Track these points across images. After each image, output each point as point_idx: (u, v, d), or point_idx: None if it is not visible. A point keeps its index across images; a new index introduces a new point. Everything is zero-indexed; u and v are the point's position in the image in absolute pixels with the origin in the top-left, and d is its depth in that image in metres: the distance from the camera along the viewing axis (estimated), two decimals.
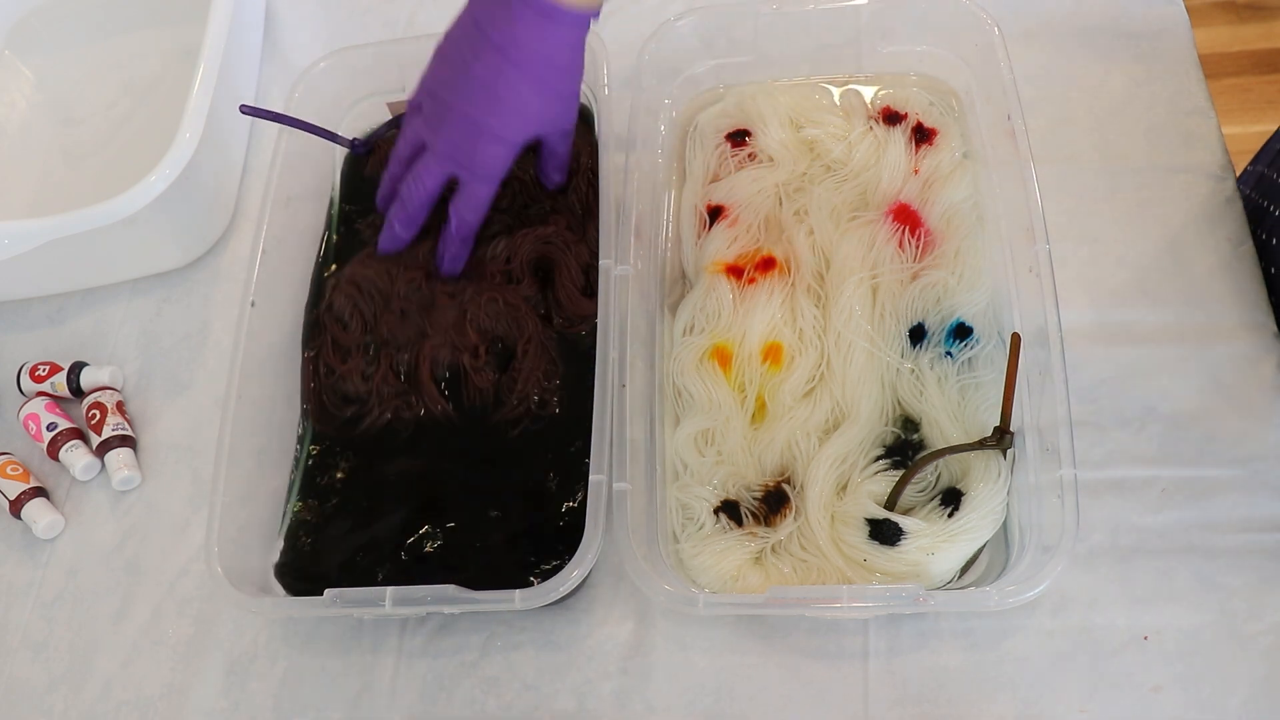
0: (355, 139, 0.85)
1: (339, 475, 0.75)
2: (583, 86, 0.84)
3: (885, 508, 0.65)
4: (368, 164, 0.86)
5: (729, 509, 0.68)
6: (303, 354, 0.79)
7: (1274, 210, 0.75)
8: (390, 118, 0.87)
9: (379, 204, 0.80)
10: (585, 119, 0.83)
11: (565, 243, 0.76)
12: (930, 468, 0.67)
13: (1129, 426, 0.69)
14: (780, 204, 0.77)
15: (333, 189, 0.87)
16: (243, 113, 0.78)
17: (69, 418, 0.83)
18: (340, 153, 0.88)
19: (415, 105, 0.74)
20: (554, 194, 0.79)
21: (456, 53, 0.70)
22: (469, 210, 0.74)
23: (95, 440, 0.80)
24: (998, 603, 0.59)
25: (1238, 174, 0.77)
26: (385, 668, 0.70)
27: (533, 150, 0.75)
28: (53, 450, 0.80)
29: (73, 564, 0.78)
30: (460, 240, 0.75)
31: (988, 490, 0.64)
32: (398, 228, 0.76)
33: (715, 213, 0.77)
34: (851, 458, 0.68)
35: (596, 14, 0.68)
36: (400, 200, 0.75)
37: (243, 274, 0.77)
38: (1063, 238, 0.75)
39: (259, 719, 0.70)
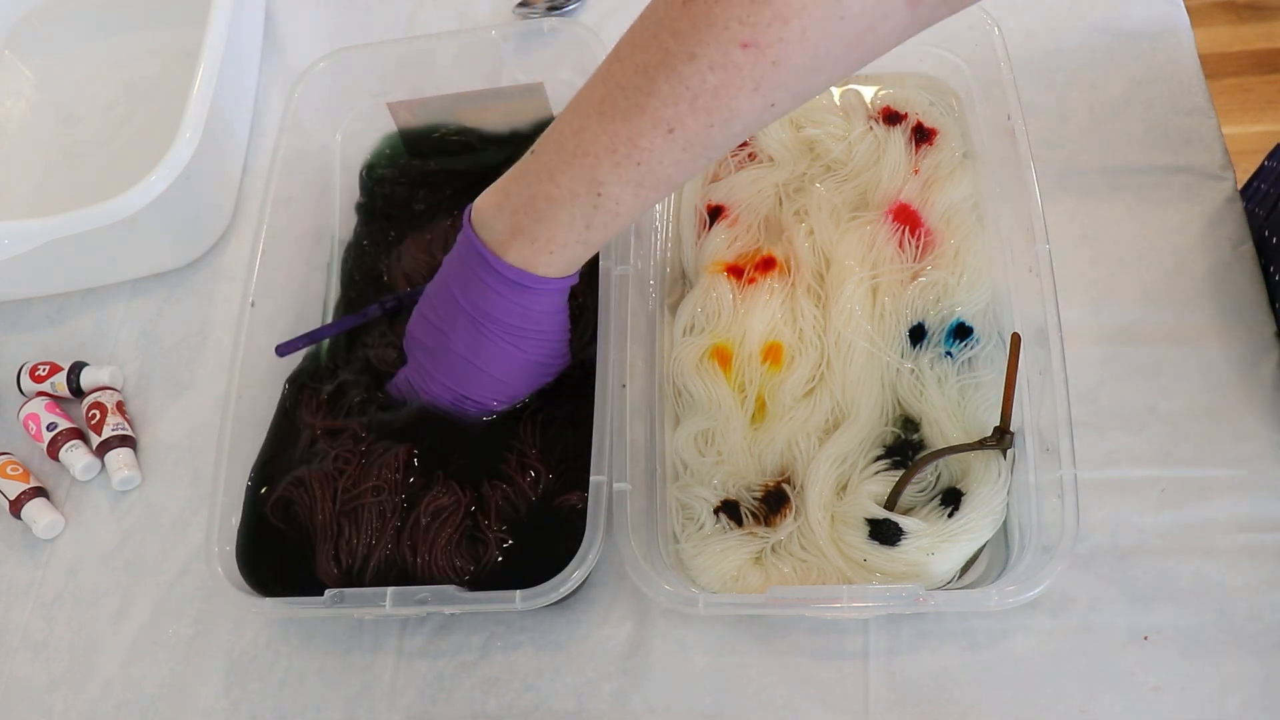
0: (385, 301, 0.80)
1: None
2: None
3: (885, 508, 0.65)
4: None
5: (729, 509, 0.68)
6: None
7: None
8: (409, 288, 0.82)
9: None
10: None
11: None
12: (930, 468, 0.67)
13: (1129, 426, 0.69)
14: (780, 204, 0.77)
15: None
16: (280, 354, 0.77)
17: (69, 418, 0.83)
18: (339, 153, 0.88)
19: (408, 347, 0.72)
20: None
21: (435, 316, 0.68)
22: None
23: (95, 440, 0.81)
24: (998, 603, 0.59)
25: (1240, 186, 0.77)
26: (385, 668, 0.70)
27: None
28: (53, 450, 0.80)
29: (73, 564, 0.78)
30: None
31: (988, 490, 0.64)
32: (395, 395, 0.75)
33: (715, 212, 0.77)
34: (851, 458, 0.68)
35: (575, 279, 0.65)
36: (402, 394, 0.74)
37: (243, 274, 0.77)
38: (1063, 238, 0.75)
39: (259, 719, 0.70)
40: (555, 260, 0.62)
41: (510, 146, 0.87)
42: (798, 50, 0.51)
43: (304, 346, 0.78)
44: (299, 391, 0.77)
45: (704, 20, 0.51)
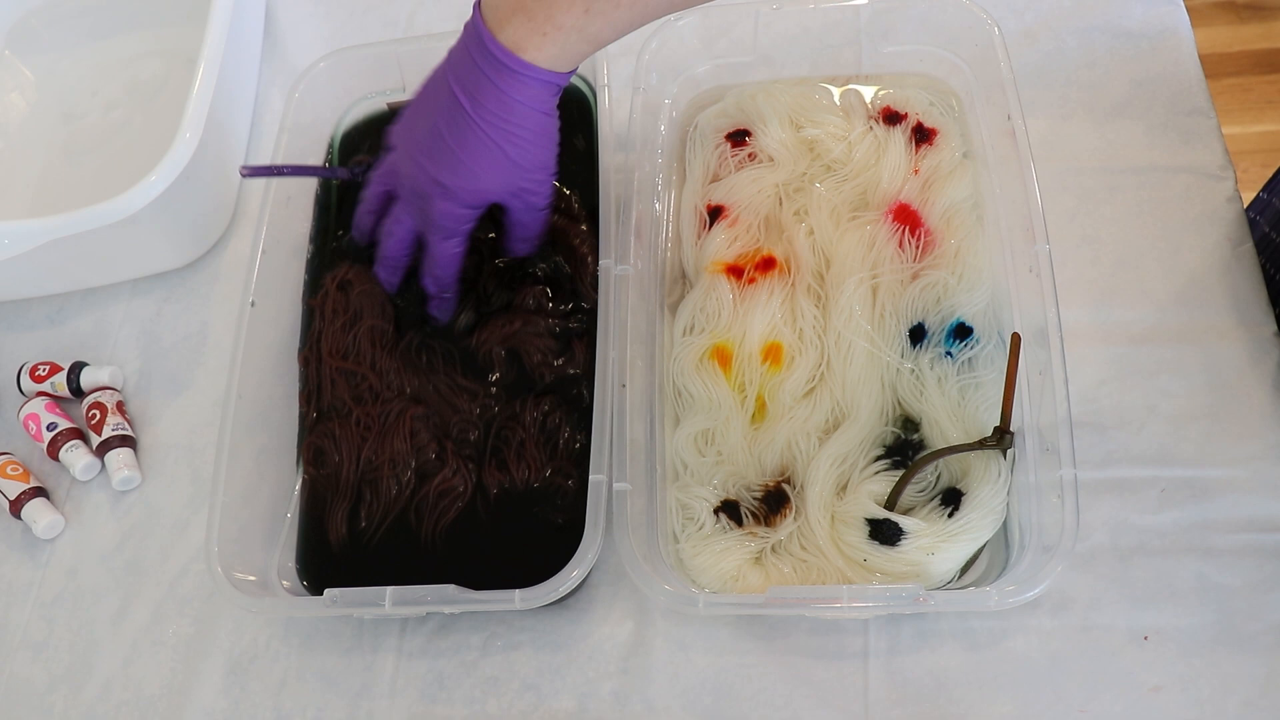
0: (353, 167, 0.83)
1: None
2: (583, 86, 0.84)
3: (885, 508, 0.65)
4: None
5: (729, 509, 0.68)
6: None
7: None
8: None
9: (353, 234, 0.77)
10: (586, 119, 0.83)
11: (533, 332, 0.75)
12: (930, 468, 0.67)
13: (1129, 426, 0.69)
14: (780, 204, 0.77)
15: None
16: (244, 175, 0.77)
17: (69, 418, 0.83)
18: (339, 153, 0.88)
19: (389, 146, 0.72)
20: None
21: (425, 103, 0.67)
22: (438, 266, 0.71)
23: (95, 440, 0.80)
24: (998, 603, 0.59)
25: (1246, 204, 0.76)
26: (385, 668, 0.70)
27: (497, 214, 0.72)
28: (53, 450, 0.80)
29: (73, 564, 0.78)
30: (438, 295, 0.74)
31: (988, 490, 0.64)
32: (383, 275, 0.75)
33: (715, 213, 0.77)
34: (851, 458, 0.68)
35: (568, 76, 0.64)
36: (380, 253, 0.74)
37: (243, 274, 0.77)
38: (1063, 238, 0.75)
39: (259, 719, 0.70)
40: (547, 45, 0.61)
41: None
42: None
43: (269, 175, 0.78)
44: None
45: None
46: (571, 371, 0.73)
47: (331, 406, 0.76)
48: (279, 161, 0.81)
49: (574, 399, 0.73)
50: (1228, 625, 0.63)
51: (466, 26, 0.64)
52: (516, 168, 0.67)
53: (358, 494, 0.73)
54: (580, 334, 0.74)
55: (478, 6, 0.64)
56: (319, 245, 0.84)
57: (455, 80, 0.64)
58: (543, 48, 0.61)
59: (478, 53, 0.63)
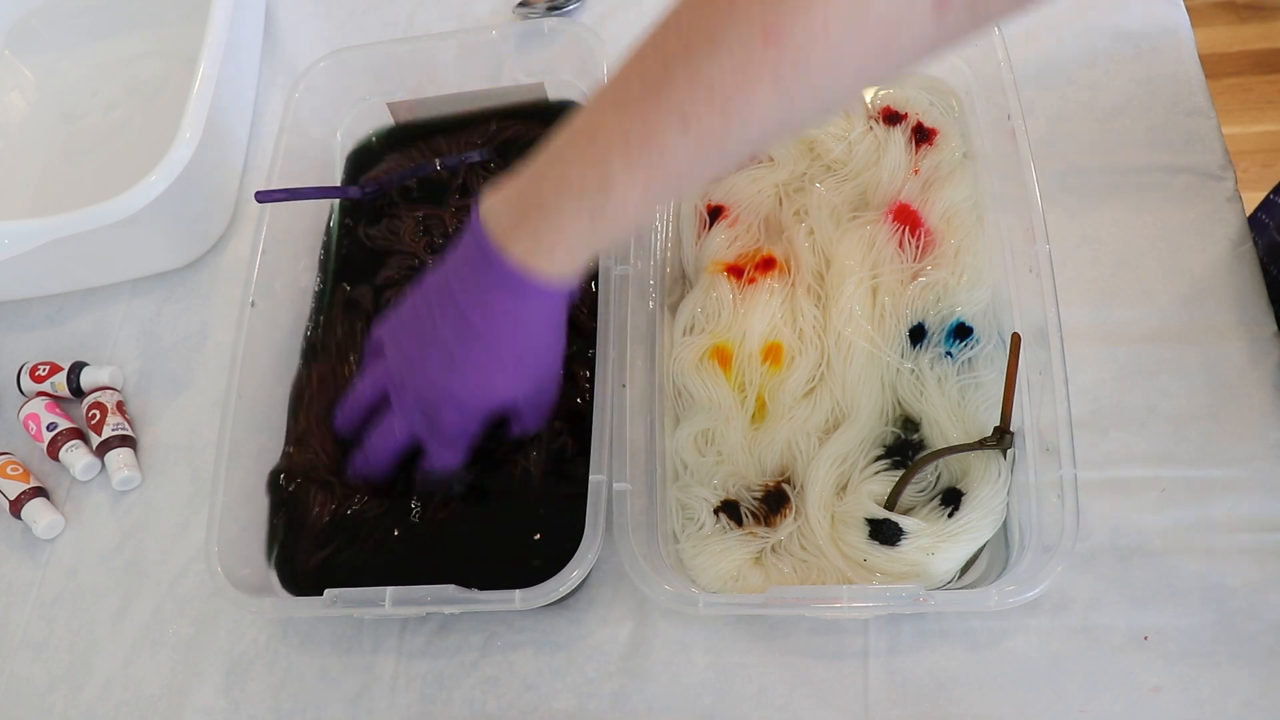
0: (364, 185, 0.83)
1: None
2: (583, 87, 0.84)
3: (885, 508, 0.65)
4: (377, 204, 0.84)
5: (729, 509, 0.68)
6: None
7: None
8: (407, 167, 0.84)
9: (335, 427, 0.74)
10: None
11: None
12: (930, 468, 0.67)
13: (1129, 426, 0.69)
14: (780, 204, 0.77)
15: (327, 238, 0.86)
16: (259, 201, 0.77)
17: (69, 418, 0.83)
18: (339, 153, 0.88)
19: (378, 347, 0.70)
20: None
21: (425, 311, 0.65)
22: (432, 467, 0.70)
23: (95, 440, 0.81)
24: (998, 603, 0.59)
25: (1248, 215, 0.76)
26: (385, 668, 0.70)
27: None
28: (53, 450, 0.80)
29: (73, 564, 0.78)
30: (365, 473, 0.72)
31: (988, 490, 0.64)
32: (362, 472, 0.72)
33: (715, 212, 0.77)
34: (851, 458, 0.68)
35: (577, 291, 0.63)
36: (366, 455, 0.71)
37: (243, 274, 0.77)
38: (1063, 238, 0.75)
39: (259, 719, 0.70)
40: (556, 259, 0.60)
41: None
42: (820, 45, 0.50)
43: (284, 200, 0.77)
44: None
45: (726, 9, 0.51)
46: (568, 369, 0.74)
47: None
48: (278, 159, 0.81)
49: (575, 399, 0.73)
50: (1228, 625, 0.63)
51: (467, 237, 0.62)
52: (529, 377, 0.67)
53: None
54: (581, 335, 0.75)
55: (478, 216, 0.61)
56: (324, 256, 0.84)
57: (461, 293, 0.62)
58: (553, 260, 0.59)
59: (485, 269, 0.61)
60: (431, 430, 0.68)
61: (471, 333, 0.63)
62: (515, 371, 0.65)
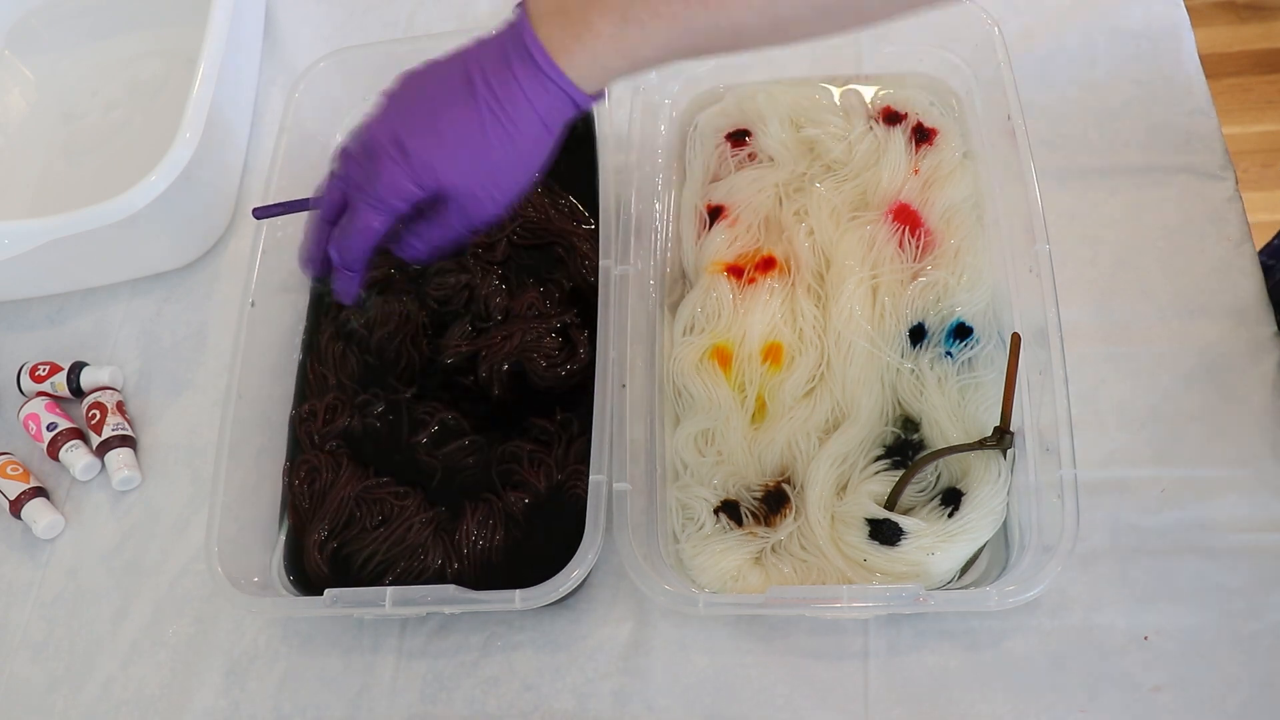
0: None
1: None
2: None
3: (885, 508, 0.65)
4: None
5: (729, 509, 0.68)
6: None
7: None
8: None
9: (301, 265, 0.69)
10: (585, 120, 0.83)
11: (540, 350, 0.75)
12: (930, 468, 0.67)
13: (1129, 426, 0.69)
14: (780, 204, 0.77)
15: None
16: (257, 218, 0.75)
17: (69, 418, 0.83)
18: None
19: (349, 147, 0.63)
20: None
21: (429, 75, 0.62)
22: (351, 237, 0.63)
23: (95, 440, 0.80)
24: (997, 603, 0.59)
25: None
26: (385, 668, 0.70)
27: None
28: (53, 450, 0.80)
29: (73, 564, 0.78)
30: (342, 268, 0.65)
31: (988, 490, 0.64)
32: (342, 288, 0.67)
33: (715, 213, 0.77)
34: (851, 458, 0.68)
35: (588, 101, 0.60)
36: (339, 252, 0.64)
37: (243, 274, 0.77)
38: (1063, 238, 0.75)
39: (259, 719, 0.70)
40: (579, 53, 0.57)
41: None
42: None
43: (282, 214, 0.75)
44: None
45: None
46: (570, 368, 0.74)
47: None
48: (278, 159, 0.81)
49: (575, 401, 0.73)
50: (1228, 625, 0.63)
51: (507, 20, 0.60)
52: (489, 170, 0.61)
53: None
54: (582, 332, 0.75)
55: (523, 3, 0.59)
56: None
57: (474, 61, 0.60)
58: (574, 54, 0.58)
59: (510, 41, 0.59)
60: (363, 185, 0.61)
61: (465, 93, 0.59)
62: (483, 153, 0.60)
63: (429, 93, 0.61)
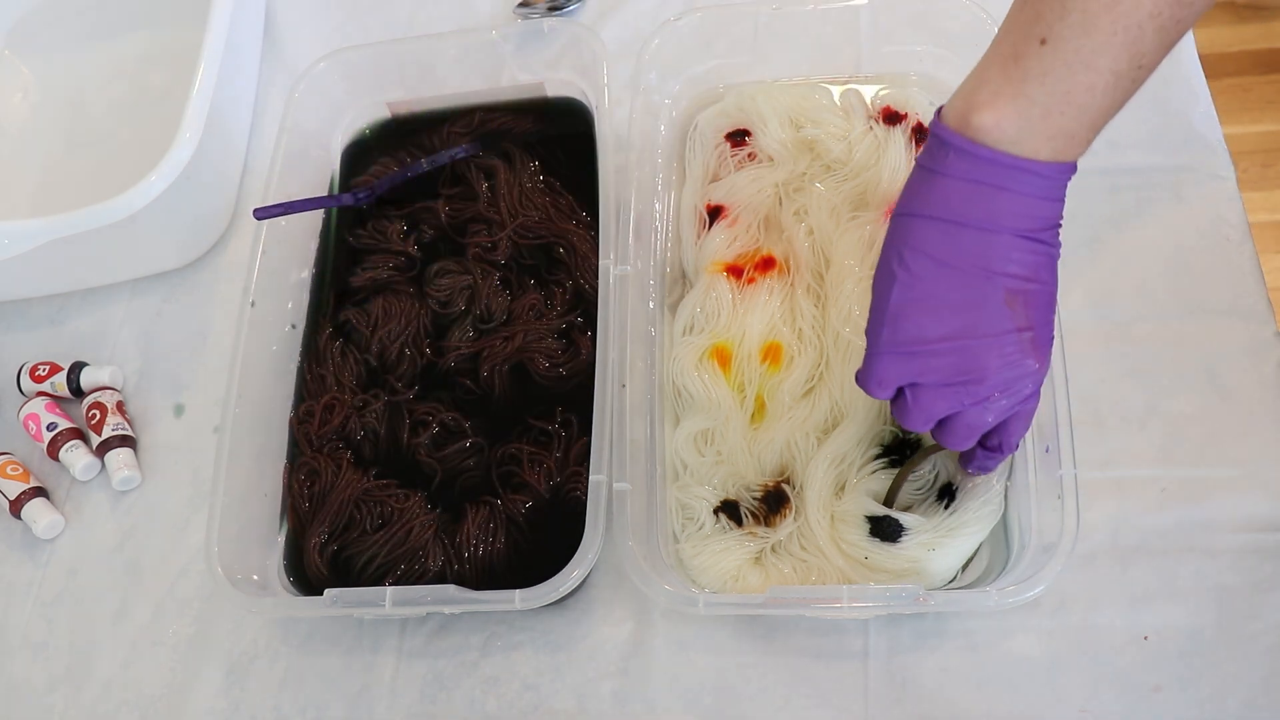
0: (357, 192, 0.83)
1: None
2: (583, 86, 0.84)
3: (884, 504, 0.65)
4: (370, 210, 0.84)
5: (729, 509, 0.68)
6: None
7: None
8: (396, 170, 0.85)
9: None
10: (585, 120, 0.83)
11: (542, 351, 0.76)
12: (928, 466, 0.67)
13: (1129, 426, 0.69)
14: (780, 204, 0.77)
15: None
16: (257, 219, 0.77)
17: (69, 418, 0.83)
18: (339, 153, 0.88)
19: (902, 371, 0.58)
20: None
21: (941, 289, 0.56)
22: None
23: (95, 440, 0.81)
24: (997, 603, 0.59)
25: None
26: (385, 668, 0.70)
27: None
28: (53, 450, 0.80)
29: (73, 564, 0.78)
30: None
31: (983, 481, 0.64)
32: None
33: (715, 213, 0.77)
34: (849, 457, 0.68)
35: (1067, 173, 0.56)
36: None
37: (243, 274, 0.77)
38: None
39: (259, 719, 0.70)
40: (1063, 143, 0.54)
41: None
42: None
43: (282, 214, 0.77)
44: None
45: None
46: (570, 370, 0.74)
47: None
48: (278, 158, 0.81)
49: (575, 401, 0.73)
50: (1228, 625, 0.63)
51: (957, 168, 0.56)
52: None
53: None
54: (583, 332, 0.75)
55: (964, 138, 0.55)
56: (320, 269, 0.84)
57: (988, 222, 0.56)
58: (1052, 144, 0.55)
59: (1010, 176, 0.55)
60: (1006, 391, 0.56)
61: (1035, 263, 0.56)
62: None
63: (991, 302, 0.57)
